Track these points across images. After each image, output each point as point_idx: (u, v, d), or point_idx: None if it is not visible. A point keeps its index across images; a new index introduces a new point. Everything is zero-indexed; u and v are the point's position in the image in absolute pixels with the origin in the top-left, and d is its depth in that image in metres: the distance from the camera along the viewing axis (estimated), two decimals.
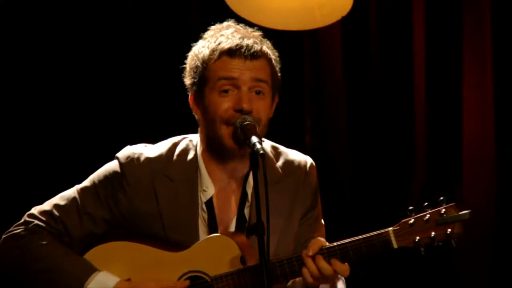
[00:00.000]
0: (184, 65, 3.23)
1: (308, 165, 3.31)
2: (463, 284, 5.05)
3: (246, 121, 3.02)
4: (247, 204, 3.17)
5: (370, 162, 5.22)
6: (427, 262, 5.10)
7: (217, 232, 3.12)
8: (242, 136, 3.00)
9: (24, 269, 3.06)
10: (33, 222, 3.12)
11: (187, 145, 3.20)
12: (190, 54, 3.20)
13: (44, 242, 3.07)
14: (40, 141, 4.86)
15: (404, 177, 5.15)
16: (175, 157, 3.16)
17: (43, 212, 3.14)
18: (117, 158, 3.17)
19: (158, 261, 3.07)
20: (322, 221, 3.37)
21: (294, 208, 3.22)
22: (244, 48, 3.08)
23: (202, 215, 3.14)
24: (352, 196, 5.21)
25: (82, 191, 3.15)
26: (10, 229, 3.15)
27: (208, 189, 3.14)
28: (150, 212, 3.10)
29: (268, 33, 4.72)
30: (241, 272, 3.03)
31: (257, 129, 3.01)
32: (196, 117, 3.21)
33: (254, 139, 2.93)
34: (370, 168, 5.22)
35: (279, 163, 3.24)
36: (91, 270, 3.04)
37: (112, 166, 3.16)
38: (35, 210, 3.16)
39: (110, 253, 3.09)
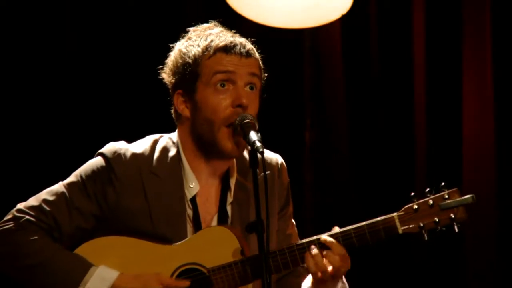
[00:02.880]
0: (162, 66, 3.23)
1: (280, 162, 3.32)
2: (466, 284, 5.05)
3: (246, 119, 3.01)
4: (229, 200, 3.18)
5: (370, 162, 5.23)
6: (429, 260, 5.11)
7: (200, 229, 3.11)
8: (241, 134, 3.00)
9: (16, 265, 3.02)
10: (23, 217, 3.07)
11: (167, 142, 3.19)
12: (174, 54, 3.19)
13: (35, 237, 3.03)
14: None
15: (404, 177, 5.15)
16: (157, 153, 3.15)
17: (32, 207, 3.09)
18: (102, 154, 3.14)
19: (151, 255, 3.04)
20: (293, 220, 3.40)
21: (273, 203, 3.23)
22: (239, 45, 3.11)
23: (188, 211, 3.13)
24: (352, 195, 5.21)
25: (69, 186, 3.12)
26: None
27: (194, 185, 3.14)
28: (139, 207, 3.08)
29: (268, 32, 4.76)
30: (239, 263, 3.02)
31: (257, 127, 3.01)
32: (177, 115, 3.19)
33: (254, 137, 2.93)
34: (370, 168, 5.22)
35: None
36: (87, 265, 3.01)
37: (98, 161, 3.13)
38: (21, 205, 3.11)
39: (100, 248, 3.05)
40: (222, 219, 3.16)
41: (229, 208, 3.17)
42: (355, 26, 5.23)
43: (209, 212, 3.16)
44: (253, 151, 2.92)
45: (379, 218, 3.05)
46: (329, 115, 5.27)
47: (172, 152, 3.16)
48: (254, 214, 2.89)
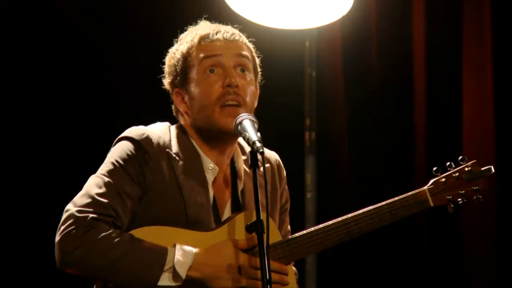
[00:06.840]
0: (162, 75, 3.26)
1: (278, 159, 3.36)
2: (466, 283, 5.06)
3: (246, 118, 3.01)
4: (240, 187, 3.19)
5: (370, 161, 5.23)
6: (428, 260, 5.12)
7: (218, 213, 3.12)
8: (241, 133, 2.99)
9: (100, 263, 2.93)
10: (86, 216, 2.96)
11: (178, 129, 3.20)
12: (168, 57, 3.24)
13: (107, 232, 2.94)
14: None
15: (404, 177, 5.16)
16: (174, 138, 3.16)
17: (88, 204, 2.97)
18: (130, 138, 3.09)
19: (197, 240, 3.00)
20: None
21: (275, 196, 3.27)
22: (223, 31, 3.16)
23: (210, 195, 3.13)
24: (352, 195, 5.22)
25: (111, 174, 3.04)
26: (61, 231, 2.95)
27: (212, 166, 3.14)
28: (172, 188, 3.06)
29: (269, 33, 4.76)
30: (285, 243, 3.10)
31: (257, 126, 3.01)
32: (180, 111, 3.21)
33: (254, 136, 2.93)
34: (370, 168, 5.23)
35: None
36: (162, 247, 2.97)
37: (129, 144, 3.08)
38: (74, 206, 2.98)
39: (149, 235, 3.00)
40: (236, 205, 3.17)
41: (240, 196, 3.19)
42: (355, 26, 5.24)
43: (223, 198, 3.17)
44: (253, 151, 2.92)
45: (410, 193, 3.17)
46: (329, 115, 5.28)
47: (185, 137, 3.17)
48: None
